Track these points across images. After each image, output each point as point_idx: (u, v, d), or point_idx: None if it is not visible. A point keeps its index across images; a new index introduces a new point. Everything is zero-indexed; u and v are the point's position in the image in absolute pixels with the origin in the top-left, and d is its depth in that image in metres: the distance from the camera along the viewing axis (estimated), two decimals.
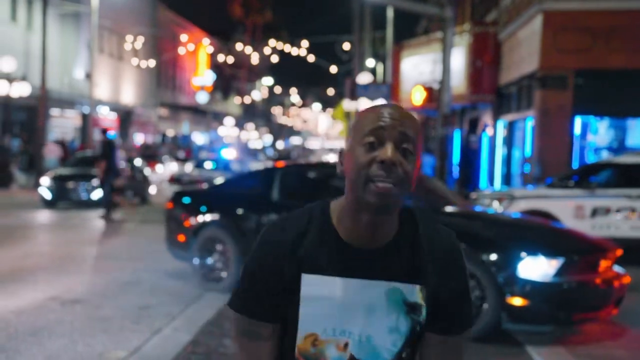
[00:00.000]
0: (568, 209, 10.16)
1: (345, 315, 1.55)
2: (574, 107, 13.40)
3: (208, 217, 7.73)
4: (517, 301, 5.64)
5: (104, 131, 15.28)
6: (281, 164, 8.43)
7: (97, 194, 16.69)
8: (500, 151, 18.06)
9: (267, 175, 7.97)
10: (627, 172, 10.47)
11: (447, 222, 6.55)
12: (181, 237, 7.94)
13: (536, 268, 5.65)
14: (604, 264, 5.94)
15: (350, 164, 1.53)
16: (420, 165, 1.57)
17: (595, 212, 10.11)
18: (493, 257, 5.76)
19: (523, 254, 5.70)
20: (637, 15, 13.03)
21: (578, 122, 13.74)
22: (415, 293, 1.56)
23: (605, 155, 13.46)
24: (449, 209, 6.81)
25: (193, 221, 7.83)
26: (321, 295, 1.55)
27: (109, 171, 14.45)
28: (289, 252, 1.57)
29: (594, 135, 14.19)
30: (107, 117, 34.74)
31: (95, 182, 16.62)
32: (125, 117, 37.85)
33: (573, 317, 5.86)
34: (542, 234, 6.43)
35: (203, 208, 7.85)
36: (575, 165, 13.25)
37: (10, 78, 22.03)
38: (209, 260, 7.64)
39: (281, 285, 1.57)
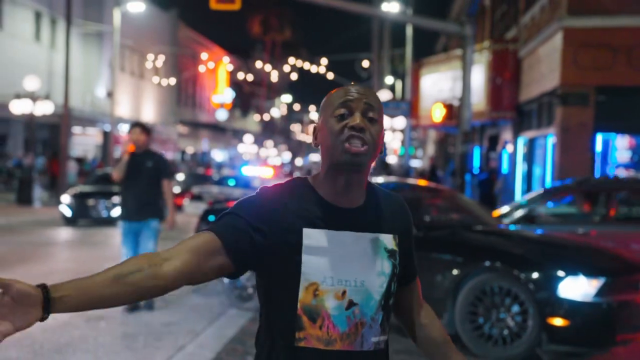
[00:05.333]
0: None
1: (342, 264, 1.75)
2: (595, 124, 13.33)
3: None
4: (557, 322, 5.53)
5: None
6: None
7: (117, 211, 16.81)
8: (520, 168, 17.99)
9: None
10: None
11: (482, 240, 6.51)
12: None
13: (577, 288, 5.52)
14: None
15: (325, 134, 1.78)
16: (384, 134, 1.83)
17: None
18: (530, 275, 5.67)
19: (562, 273, 5.59)
20: None
21: (599, 139, 13.67)
22: (391, 241, 1.84)
23: (627, 173, 13.37)
24: (482, 227, 6.79)
25: None
26: (321, 246, 1.74)
27: None
28: (289, 208, 1.76)
29: (615, 152, 14.10)
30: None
31: (115, 199, 16.75)
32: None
33: (616, 338, 5.71)
34: (580, 252, 6.29)
35: None
36: None
37: (34, 97, 22.34)
38: (240, 280, 7.42)
39: (256, 236, 1.72)
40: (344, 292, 1.74)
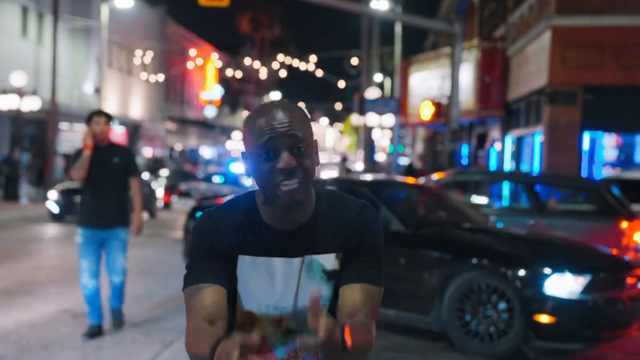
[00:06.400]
0: None
1: (276, 291, 1.73)
2: (582, 123, 13.42)
3: None
4: (544, 318, 5.57)
5: None
6: None
7: None
8: (508, 166, 18.07)
9: None
10: (635, 187, 10.47)
11: (469, 237, 6.54)
12: None
13: (563, 285, 5.56)
14: (630, 281, 5.87)
15: (254, 171, 1.69)
16: (317, 152, 1.72)
17: None
18: (517, 272, 5.71)
19: (549, 270, 5.62)
20: None
21: (586, 137, 13.75)
22: (332, 261, 1.75)
23: (613, 171, 13.46)
24: (468, 225, 6.81)
25: None
26: (255, 274, 1.73)
27: None
28: (225, 236, 1.73)
29: (602, 151, 14.20)
30: (115, 131, 34.93)
31: None
32: (134, 131, 38.04)
33: (601, 335, 5.76)
34: (566, 250, 6.33)
35: None
36: None
37: (20, 92, 22.18)
38: None
39: (222, 263, 1.72)
40: (280, 320, 1.71)
